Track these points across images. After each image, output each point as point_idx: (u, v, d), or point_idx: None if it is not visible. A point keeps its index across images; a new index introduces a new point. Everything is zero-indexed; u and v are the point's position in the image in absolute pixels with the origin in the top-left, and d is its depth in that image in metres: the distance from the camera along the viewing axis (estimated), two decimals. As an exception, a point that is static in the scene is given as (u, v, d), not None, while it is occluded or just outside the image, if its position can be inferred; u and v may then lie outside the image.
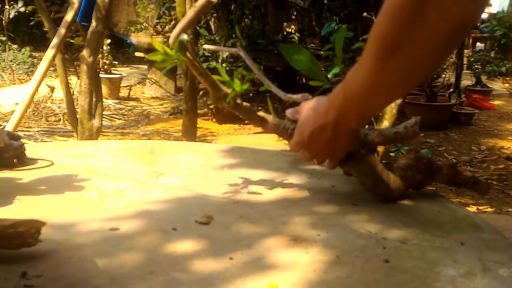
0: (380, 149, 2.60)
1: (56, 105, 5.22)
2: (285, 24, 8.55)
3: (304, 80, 7.04)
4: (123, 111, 5.81)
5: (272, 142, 2.98)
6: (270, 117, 1.12)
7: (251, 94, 6.63)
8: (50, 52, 3.11)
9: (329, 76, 3.52)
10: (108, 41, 6.33)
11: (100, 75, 3.51)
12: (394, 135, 1.10)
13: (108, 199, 1.14)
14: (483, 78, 8.13)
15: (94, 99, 2.98)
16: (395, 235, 0.97)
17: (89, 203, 1.12)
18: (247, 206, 1.11)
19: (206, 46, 1.23)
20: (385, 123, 2.49)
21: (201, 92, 5.14)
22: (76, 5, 3.09)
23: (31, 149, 1.46)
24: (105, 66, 6.24)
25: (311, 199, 1.17)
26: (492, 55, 10.24)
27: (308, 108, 1.02)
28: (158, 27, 7.12)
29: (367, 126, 3.33)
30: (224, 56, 5.01)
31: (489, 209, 3.27)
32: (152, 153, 1.55)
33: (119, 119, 5.43)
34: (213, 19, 5.39)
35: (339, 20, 4.13)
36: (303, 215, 1.07)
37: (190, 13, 1.07)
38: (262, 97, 6.43)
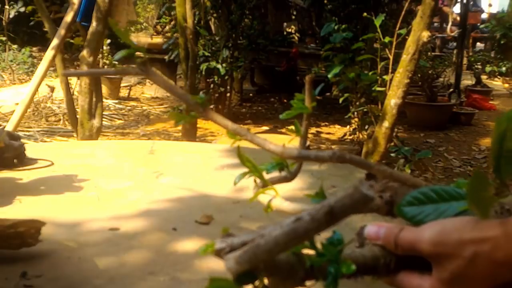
0: (380, 149, 2.61)
1: (56, 105, 5.21)
2: (285, 24, 8.55)
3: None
4: (123, 111, 5.80)
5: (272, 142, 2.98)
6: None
7: (251, 94, 6.62)
8: (50, 53, 3.11)
9: (329, 76, 3.52)
10: (108, 41, 6.32)
11: (100, 75, 3.51)
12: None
13: (108, 199, 1.14)
14: (483, 78, 8.12)
15: (94, 99, 2.98)
16: (395, 235, 0.97)
17: (89, 203, 1.12)
18: (247, 206, 1.11)
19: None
20: (385, 124, 2.49)
21: (201, 92, 5.14)
22: (76, 5, 3.08)
23: (31, 149, 1.46)
24: (105, 66, 6.23)
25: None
26: (492, 55, 10.23)
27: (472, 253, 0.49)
28: (158, 27, 7.12)
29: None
30: (224, 56, 5.01)
31: (489, 209, 3.26)
32: (152, 153, 1.55)
33: (119, 119, 5.42)
34: (213, 19, 5.37)
35: (339, 20, 4.12)
36: (303, 215, 1.06)
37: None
38: (262, 97, 6.42)
